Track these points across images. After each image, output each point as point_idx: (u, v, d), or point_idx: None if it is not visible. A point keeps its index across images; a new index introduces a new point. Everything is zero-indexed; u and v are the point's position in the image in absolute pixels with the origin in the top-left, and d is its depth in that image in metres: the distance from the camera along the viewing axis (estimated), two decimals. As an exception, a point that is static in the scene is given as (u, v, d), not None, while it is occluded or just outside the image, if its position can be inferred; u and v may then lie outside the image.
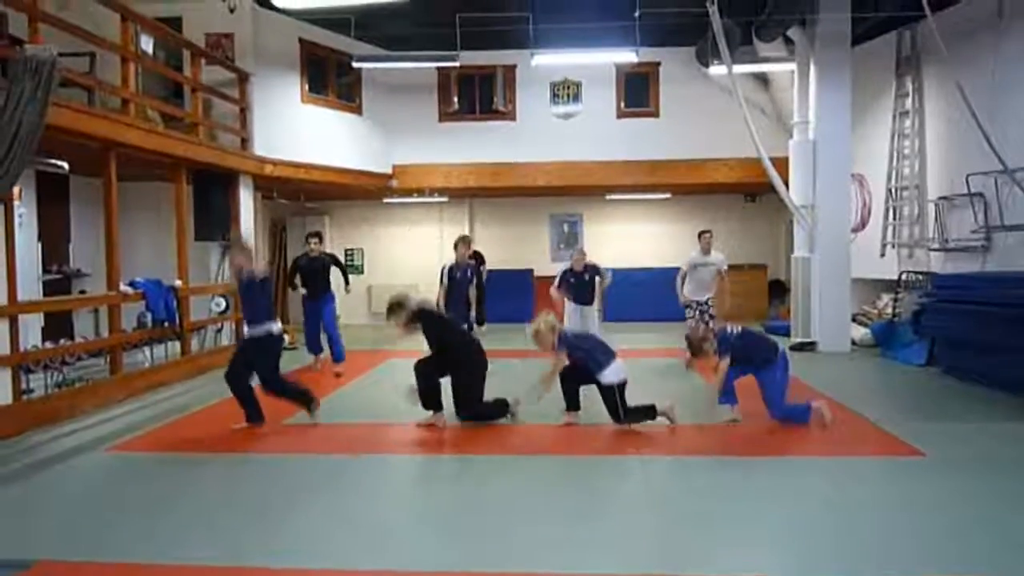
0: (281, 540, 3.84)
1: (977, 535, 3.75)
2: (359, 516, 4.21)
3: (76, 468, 5.22)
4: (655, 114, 13.59)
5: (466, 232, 14.96)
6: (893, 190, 10.90)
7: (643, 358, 9.64)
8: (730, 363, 5.93)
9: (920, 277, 10.07)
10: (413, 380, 6.18)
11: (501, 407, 6.29)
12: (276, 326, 6.36)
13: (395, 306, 6.26)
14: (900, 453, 5.27)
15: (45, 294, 9.44)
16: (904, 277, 10.34)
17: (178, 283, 8.87)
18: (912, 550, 3.60)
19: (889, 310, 10.65)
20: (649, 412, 5.91)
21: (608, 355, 5.92)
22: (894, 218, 10.96)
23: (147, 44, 9.78)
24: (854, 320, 11.08)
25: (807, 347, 10.35)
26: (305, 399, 6.38)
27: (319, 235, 9.72)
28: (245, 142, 10.78)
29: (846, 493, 4.44)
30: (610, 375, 5.80)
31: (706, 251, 9.21)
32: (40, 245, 9.56)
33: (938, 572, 3.35)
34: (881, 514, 4.06)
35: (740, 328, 6.20)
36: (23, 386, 6.76)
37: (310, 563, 3.55)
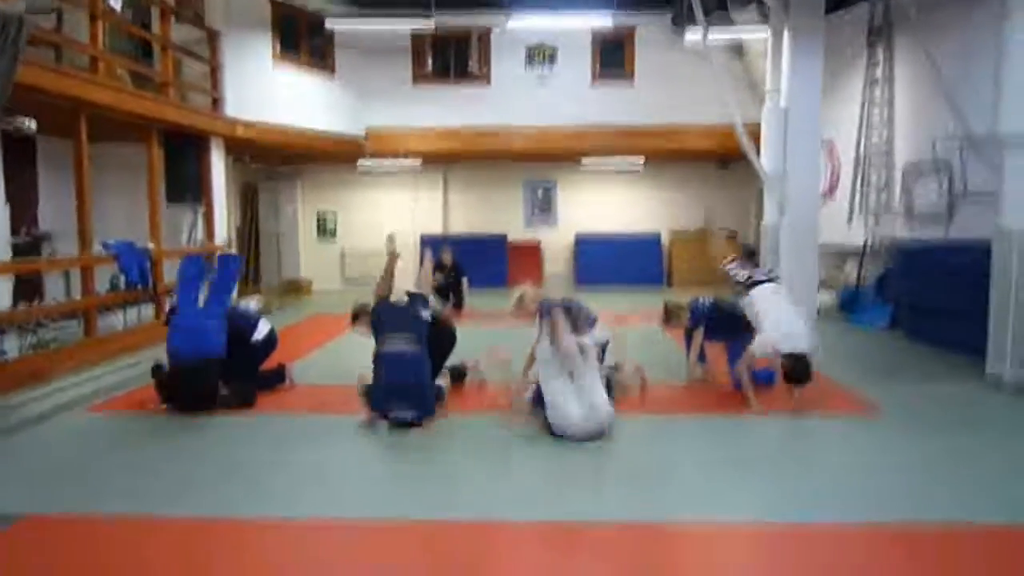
0: (260, 494, 3.94)
1: (927, 485, 3.97)
2: (334, 471, 4.33)
3: (58, 427, 5.25)
4: (630, 80, 13.62)
5: (441, 199, 14.99)
6: (862, 158, 11.09)
7: (620, 326, 9.74)
8: (703, 333, 6.22)
9: (885, 243, 10.31)
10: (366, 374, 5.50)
11: (459, 375, 6.32)
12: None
13: (359, 314, 6.06)
14: (859, 411, 5.50)
15: (14, 256, 9.31)
16: (869, 243, 10.57)
17: (151, 245, 8.81)
18: (866, 497, 3.82)
19: (854, 276, 10.90)
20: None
21: (591, 320, 5.99)
22: (862, 185, 11.16)
23: (115, 1, 9.57)
24: (821, 286, 11.31)
25: (775, 312, 10.56)
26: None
27: None
28: (216, 103, 10.65)
29: (808, 446, 4.65)
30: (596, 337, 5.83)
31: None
32: (7, 207, 9.40)
33: (890, 519, 3.56)
34: (840, 464, 4.30)
35: (711, 300, 6.43)
36: (-4, 348, 6.74)
37: (288, 512, 3.67)
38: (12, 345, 7.26)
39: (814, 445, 4.81)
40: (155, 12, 9.80)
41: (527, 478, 4.21)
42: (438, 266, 10.54)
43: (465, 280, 11.46)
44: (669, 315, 6.46)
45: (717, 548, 3.40)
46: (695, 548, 3.42)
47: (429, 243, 9.95)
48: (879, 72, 10.71)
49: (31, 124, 8.40)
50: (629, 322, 9.78)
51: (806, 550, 3.32)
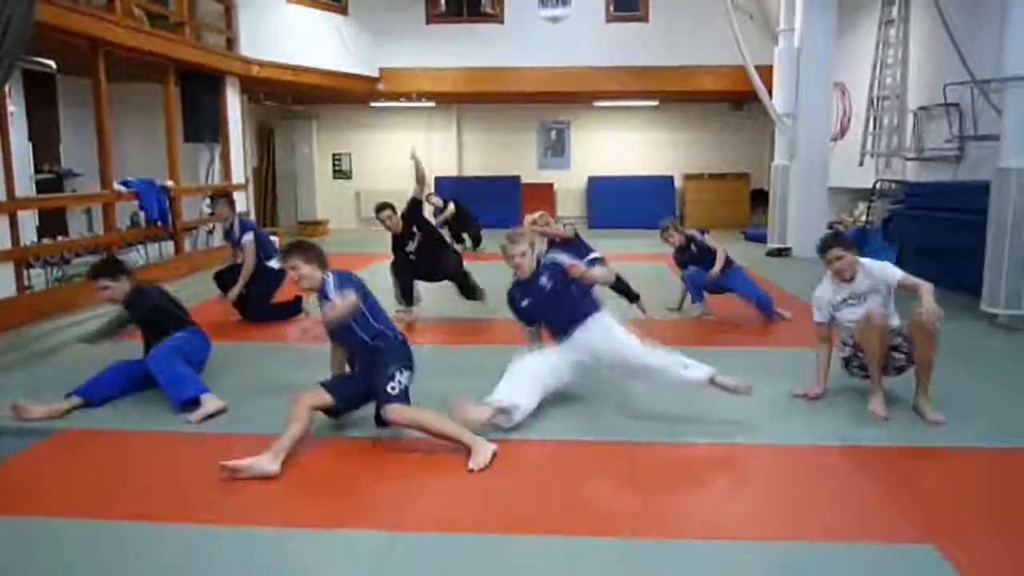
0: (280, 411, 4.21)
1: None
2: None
3: (83, 353, 5.53)
4: (644, 19, 13.53)
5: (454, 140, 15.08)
6: (875, 99, 11.02)
7: (631, 262, 9.90)
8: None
9: (894, 185, 10.34)
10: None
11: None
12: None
13: (384, 206, 6.55)
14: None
15: (37, 193, 9.59)
16: (879, 186, 10.61)
17: (170, 183, 9.04)
18: (854, 423, 4.04)
19: (864, 218, 10.97)
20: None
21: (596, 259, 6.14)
22: (874, 128, 11.13)
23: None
24: (830, 228, 11.39)
25: (783, 252, 10.71)
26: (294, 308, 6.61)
27: None
28: (231, 42, 10.75)
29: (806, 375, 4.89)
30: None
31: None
32: (31, 145, 9.64)
33: (881, 443, 3.79)
34: (841, 389, 4.52)
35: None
36: (25, 281, 7.05)
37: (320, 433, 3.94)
38: (39, 279, 7.59)
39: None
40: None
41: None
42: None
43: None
44: (662, 232, 6.75)
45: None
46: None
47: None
48: (894, 12, 10.57)
49: (51, 64, 8.58)
50: (639, 261, 9.93)
51: (814, 466, 3.58)
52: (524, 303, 4.32)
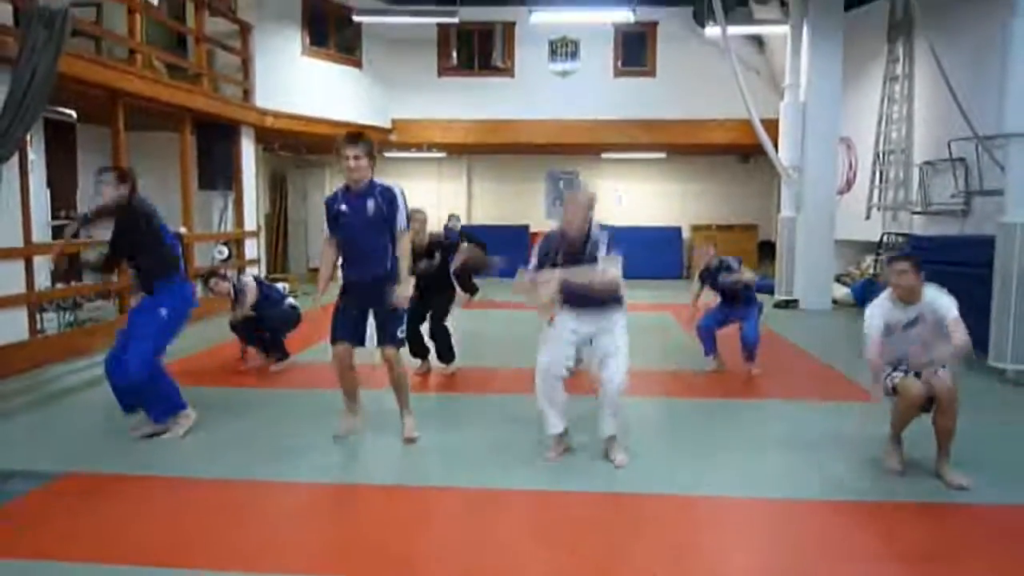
0: (284, 458, 4.23)
1: (928, 468, 4.13)
2: (356, 440, 4.62)
3: (94, 397, 5.58)
4: (652, 74, 13.78)
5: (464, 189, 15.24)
6: (880, 154, 11.16)
7: (637, 312, 9.92)
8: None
9: (901, 239, 10.39)
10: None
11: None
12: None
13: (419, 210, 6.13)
14: (860, 398, 5.66)
15: (53, 239, 9.73)
16: (885, 239, 10.66)
17: (183, 230, 9.17)
18: (861, 478, 4.01)
19: (871, 271, 11.00)
20: None
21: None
22: (880, 181, 11.24)
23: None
24: (837, 280, 11.43)
25: (789, 304, 10.72)
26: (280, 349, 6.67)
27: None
28: (247, 93, 11.00)
29: (813, 428, 4.88)
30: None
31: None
32: (48, 191, 9.82)
33: (883, 499, 3.76)
34: (839, 445, 4.51)
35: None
36: (37, 325, 7.12)
37: (311, 478, 3.96)
38: (51, 323, 7.67)
39: (825, 430, 4.95)
40: (190, 5, 10.16)
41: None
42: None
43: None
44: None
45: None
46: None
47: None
48: (899, 69, 10.77)
49: (72, 113, 8.78)
50: (645, 311, 9.96)
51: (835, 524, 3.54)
52: (557, 258, 4.16)
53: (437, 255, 6.27)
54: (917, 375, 3.94)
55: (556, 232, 4.29)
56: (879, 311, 4.09)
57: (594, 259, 4.08)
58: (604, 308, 4.17)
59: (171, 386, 4.63)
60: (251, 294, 6.41)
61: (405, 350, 5.17)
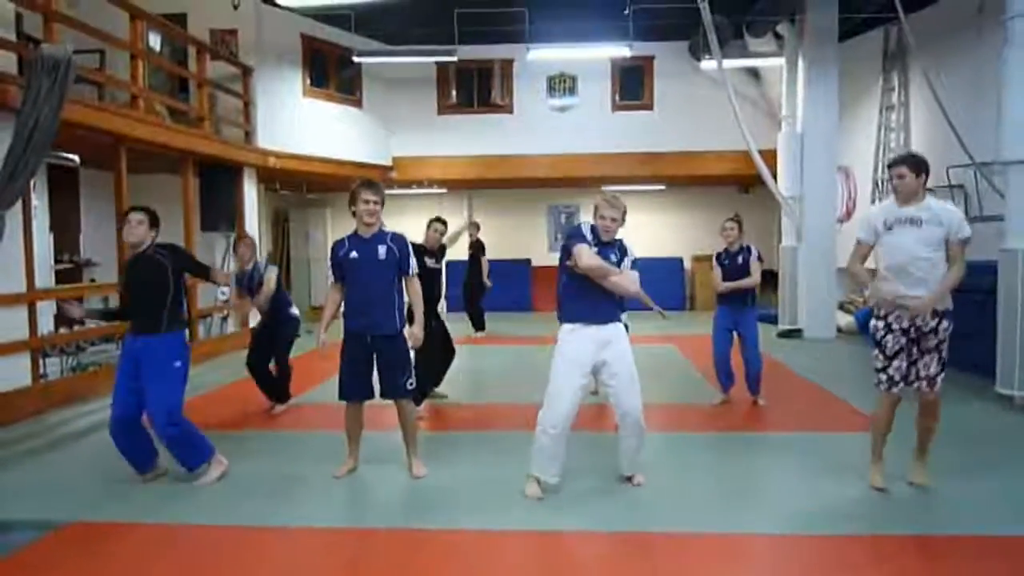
0: (288, 503, 4.19)
1: (937, 498, 4.08)
2: (358, 483, 4.57)
3: (98, 443, 5.54)
4: (649, 107, 13.89)
5: (473, 218, 15.28)
6: (879, 182, 11.20)
7: (640, 344, 9.90)
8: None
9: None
10: None
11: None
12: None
13: (438, 219, 6.81)
14: (866, 428, 5.60)
15: (56, 283, 9.76)
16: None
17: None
18: (872, 510, 3.98)
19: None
20: None
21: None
22: (880, 209, 11.25)
23: (155, 41, 10.07)
24: (841, 308, 11.40)
25: (793, 334, 10.68)
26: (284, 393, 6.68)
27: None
28: (249, 135, 11.10)
29: (820, 459, 4.83)
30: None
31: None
32: (51, 235, 9.87)
33: (898, 531, 3.71)
34: (848, 478, 4.46)
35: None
36: (40, 370, 7.10)
37: (321, 522, 3.93)
38: (54, 367, 7.66)
39: (831, 461, 4.91)
40: (191, 50, 10.30)
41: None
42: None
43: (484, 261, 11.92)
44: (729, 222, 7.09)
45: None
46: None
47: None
48: (895, 98, 10.87)
49: (75, 158, 8.86)
50: (648, 343, 9.92)
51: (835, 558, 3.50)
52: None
53: (438, 262, 6.67)
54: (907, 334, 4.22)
55: (589, 227, 4.28)
56: (879, 215, 4.18)
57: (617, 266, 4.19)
58: (615, 320, 4.27)
59: (198, 434, 4.62)
60: (273, 280, 6.49)
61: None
